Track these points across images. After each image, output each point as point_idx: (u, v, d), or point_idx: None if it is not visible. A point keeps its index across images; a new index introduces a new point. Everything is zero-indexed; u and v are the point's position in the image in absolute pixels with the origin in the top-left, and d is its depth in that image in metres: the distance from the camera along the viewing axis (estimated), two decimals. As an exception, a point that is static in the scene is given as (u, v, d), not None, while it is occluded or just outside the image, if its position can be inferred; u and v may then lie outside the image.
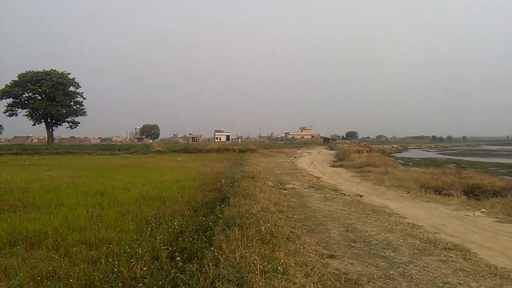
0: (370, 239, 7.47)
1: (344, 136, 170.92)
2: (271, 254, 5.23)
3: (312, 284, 4.71)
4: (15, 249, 6.66)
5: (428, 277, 5.38)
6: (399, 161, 44.60)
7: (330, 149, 55.03)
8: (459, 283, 5.18)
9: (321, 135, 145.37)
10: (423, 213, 10.68)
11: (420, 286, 5.04)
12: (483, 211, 10.88)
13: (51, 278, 5.30)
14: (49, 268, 5.58)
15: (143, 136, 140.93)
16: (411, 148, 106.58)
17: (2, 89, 70.79)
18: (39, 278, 5.25)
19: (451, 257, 6.39)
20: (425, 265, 5.92)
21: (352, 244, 7.11)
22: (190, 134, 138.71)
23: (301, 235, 7.42)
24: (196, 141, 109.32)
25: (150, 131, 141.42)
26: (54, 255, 6.27)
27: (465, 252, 6.71)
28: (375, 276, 5.41)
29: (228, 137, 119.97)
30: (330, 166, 29.91)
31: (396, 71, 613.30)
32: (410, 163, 41.87)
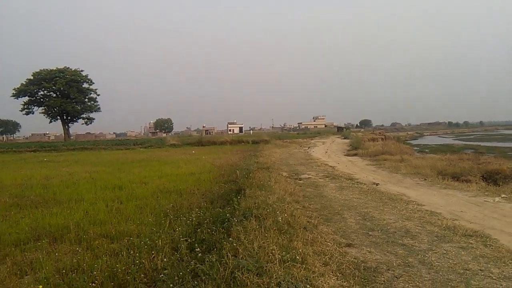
0: (388, 227, 7.44)
1: (358, 124, 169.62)
2: (289, 244, 5.27)
3: (331, 273, 4.73)
4: (39, 244, 6.85)
5: (448, 264, 5.35)
6: (415, 148, 44.06)
7: (344, 138, 54.58)
8: (480, 270, 5.14)
9: (334, 124, 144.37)
10: (441, 200, 10.56)
11: (440, 273, 5.01)
12: (503, 197, 10.71)
13: (75, 270, 5.43)
14: (73, 261, 5.73)
15: (157, 130, 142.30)
16: (427, 135, 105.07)
17: (18, 88, 72.24)
18: (64, 271, 5.39)
19: (471, 243, 6.33)
20: (444, 252, 5.88)
21: (370, 233, 7.10)
22: (203, 126, 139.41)
23: (318, 225, 7.43)
24: (210, 133, 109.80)
25: (163, 125, 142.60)
26: (77, 249, 6.44)
27: (486, 238, 6.63)
28: (394, 264, 5.40)
29: (241, 129, 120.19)
30: (345, 155, 29.70)
31: (408, 57, 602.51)
32: (426, 150, 41.30)
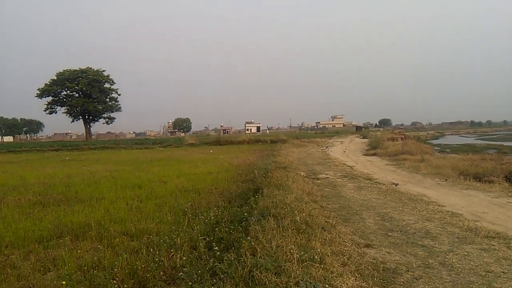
0: (408, 228, 7.34)
1: (377, 124, 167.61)
2: (307, 243, 5.26)
3: (349, 273, 4.70)
4: (61, 241, 7.02)
5: (470, 266, 5.25)
6: (436, 148, 43.17)
7: (363, 138, 53.98)
8: (503, 272, 5.02)
9: (353, 123, 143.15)
10: (462, 201, 10.35)
11: (462, 275, 4.92)
12: (528, 198, 10.41)
13: (96, 267, 5.54)
14: (94, 258, 5.85)
15: (176, 130, 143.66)
16: (448, 135, 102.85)
17: (42, 88, 74.15)
18: (85, 267, 5.51)
19: (493, 245, 6.20)
20: (466, 253, 5.78)
21: (389, 233, 7.02)
22: (221, 126, 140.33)
23: (336, 225, 7.39)
24: (227, 133, 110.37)
25: (182, 124, 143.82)
26: (98, 246, 6.57)
27: (509, 240, 6.48)
28: (414, 265, 5.33)
29: (258, 128, 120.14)
30: (363, 155, 29.38)
31: (429, 56, 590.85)
32: (448, 150, 40.45)
